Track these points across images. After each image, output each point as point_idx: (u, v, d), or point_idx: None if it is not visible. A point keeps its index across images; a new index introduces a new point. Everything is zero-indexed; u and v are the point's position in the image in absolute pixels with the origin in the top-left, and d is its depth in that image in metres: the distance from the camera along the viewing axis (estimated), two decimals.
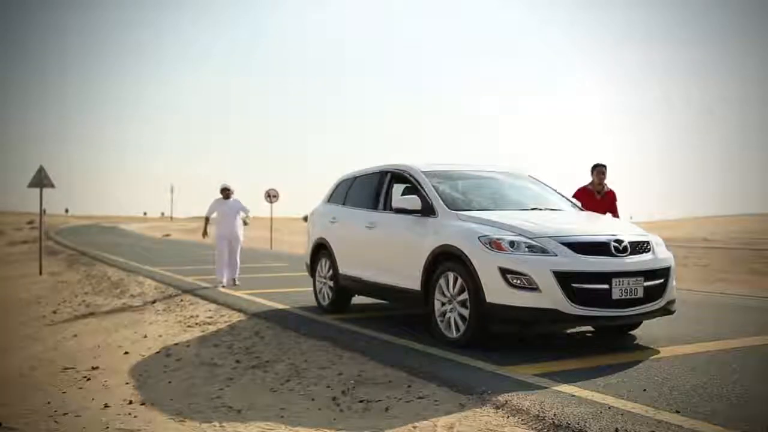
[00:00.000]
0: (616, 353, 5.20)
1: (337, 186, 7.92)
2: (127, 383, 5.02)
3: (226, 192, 10.62)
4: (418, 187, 6.32)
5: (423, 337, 5.87)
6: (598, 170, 7.42)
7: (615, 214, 7.39)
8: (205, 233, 11.17)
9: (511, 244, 5.14)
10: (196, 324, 7.32)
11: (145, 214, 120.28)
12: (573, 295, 4.95)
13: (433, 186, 6.21)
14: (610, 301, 5.02)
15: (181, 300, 9.16)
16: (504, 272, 5.03)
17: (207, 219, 10.87)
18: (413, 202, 6.03)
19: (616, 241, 5.20)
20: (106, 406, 4.40)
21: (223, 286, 10.26)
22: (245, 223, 10.85)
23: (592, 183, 7.43)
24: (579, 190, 7.41)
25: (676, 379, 4.34)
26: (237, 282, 10.60)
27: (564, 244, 5.11)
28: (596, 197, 7.27)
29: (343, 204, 7.55)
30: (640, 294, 5.11)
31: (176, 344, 6.33)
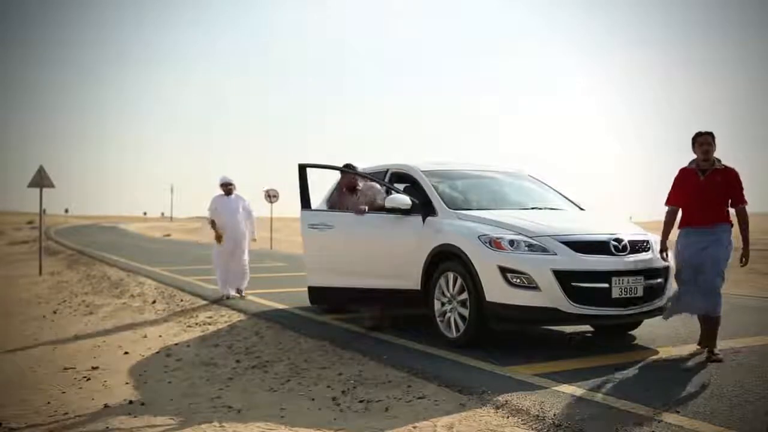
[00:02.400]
0: (616, 353, 5.20)
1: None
2: (127, 383, 5.02)
3: (227, 187, 9.06)
4: (418, 186, 6.32)
5: (423, 337, 5.87)
6: (700, 141, 5.13)
7: (737, 200, 5.12)
8: (219, 238, 8.99)
9: (511, 243, 5.14)
10: (196, 324, 7.32)
11: (145, 214, 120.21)
12: (573, 294, 4.96)
13: (433, 185, 6.21)
14: (609, 299, 5.03)
15: (181, 300, 9.16)
16: (504, 271, 5.03)
17: (213, 222, 9.05)
18: (403, 200, 5.99)
19: (616, 239, 5.20)
20: (106, 406, 4.39)
21: (228, 297, 8.87)
22: (252, 239, 9.36)
23: (695, 160, 5.24)
24: (680, 171, 5.36)
25: (676, 379, 4.34)
26: (243, 294, 9.09)
27: (564, 242, 5.11)
28: (698, 179, 5.14)
29: None
30: (640, 293, 5.12)
31: (176, 344, 6.33)
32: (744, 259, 5.09)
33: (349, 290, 6.47)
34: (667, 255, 5.31)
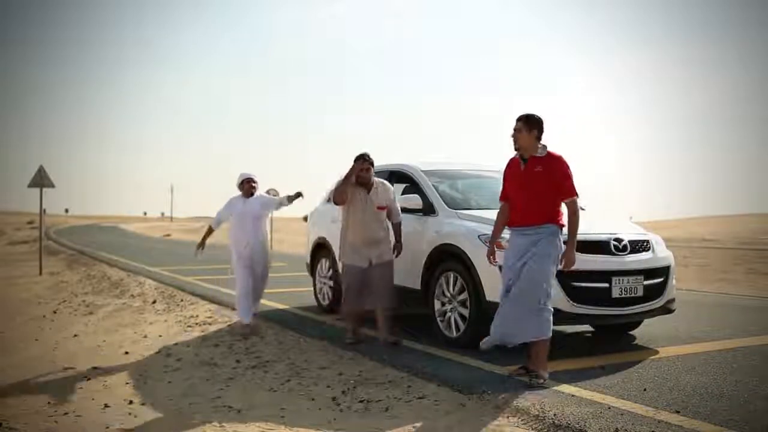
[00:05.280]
0: (616, 353, 5.20)
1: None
2: (127, 383, 5.02)
3: (249, 184, 6.80)
4: (418, 186, 6.33)
5: (423, 337, 5.87)
6: (514, 126, 4.45)
7: (562, 193, 4.35)
8: (201, 245, 7.11)
9: None
10: (196, 324, 7.31)
11: (145, 214, 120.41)
12: (573, 294, 4.96)
13: (433, 185, 6.22)
14: (609, 299, 5.03)
15: (181, 300, 9.16)
16: None
17: (210, 230, 6.99)
18: (415, 201, 6.04)
19: (616, 239, 5.20)
20: (106, 406, 4.39)
21: (247, 325, 6.58)
22: (295, 198, 6.93)
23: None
24: (509, 160, 4.65)
25: (676, 379, 4.34)
26: (255, 314, 6.90)
27: (564, 242, 5.11)
28: (520, 169, 4.47)
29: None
30: (640, 293, 5.12)
31: (176, 344, 6.33)
32: (563, 261, 4.33)
33: None
34: (494, 258, 4.63)
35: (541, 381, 4.27)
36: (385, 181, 5.95)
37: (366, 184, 5.71)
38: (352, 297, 5.78)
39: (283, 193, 6.96)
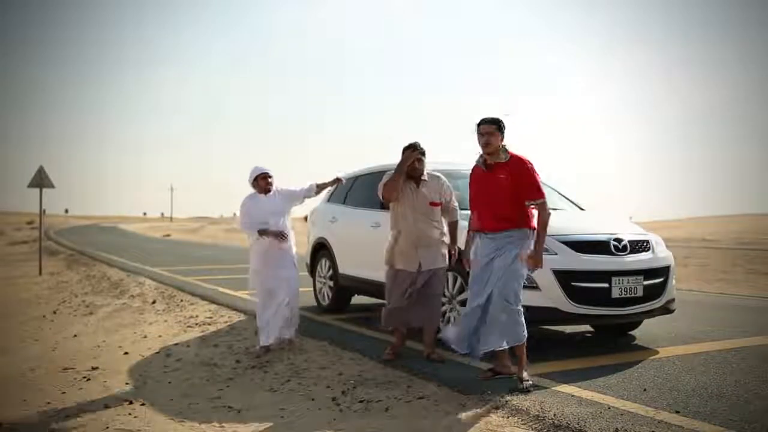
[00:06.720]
0: (616, 353, 5.20)
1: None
2: (127, 383, 5.01)
3: (265, 181, 5.83)
4: None
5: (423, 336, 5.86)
6: (481, 130, 4.35)
7: (527, 196, 4.28)
8: (280, 234, 5.77)
9: None
10: (196, 324, 7.31)
11: (144, 214, 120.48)
12: (573, 294, 4.96)
13: None
14: (609, 299, 5.03)
15: (181, 300, 9.15)
16: None
17: (263, 231, 5.74)
18: None
19: (616, 239, 5.20)
20: (106, 406, 4.39)
21: (266, 348, 5.66)
22: (329, 186, 6.24)
23: (481, 154, 4.48)
24: (472, 169, 4.59)
25: (676, 379, 4.34)
26: (294, 338, 5.88)
27: (564, 242, 5.11)
28: (482, 175, 4.44)
29: (344, 203, 7.55)
30: (640, 293, 5.12)
31: (176, 344, 6.32)
32: (531, 262, 4.28)
33: (363, 281, 6.70)
34: (468, 263, 4.59)
35: (529, 382, 4.20)
36: (440, 174, 5.25)
37: (416, 177, 5.06)
38: (395, 306, 5.11)
39: None
